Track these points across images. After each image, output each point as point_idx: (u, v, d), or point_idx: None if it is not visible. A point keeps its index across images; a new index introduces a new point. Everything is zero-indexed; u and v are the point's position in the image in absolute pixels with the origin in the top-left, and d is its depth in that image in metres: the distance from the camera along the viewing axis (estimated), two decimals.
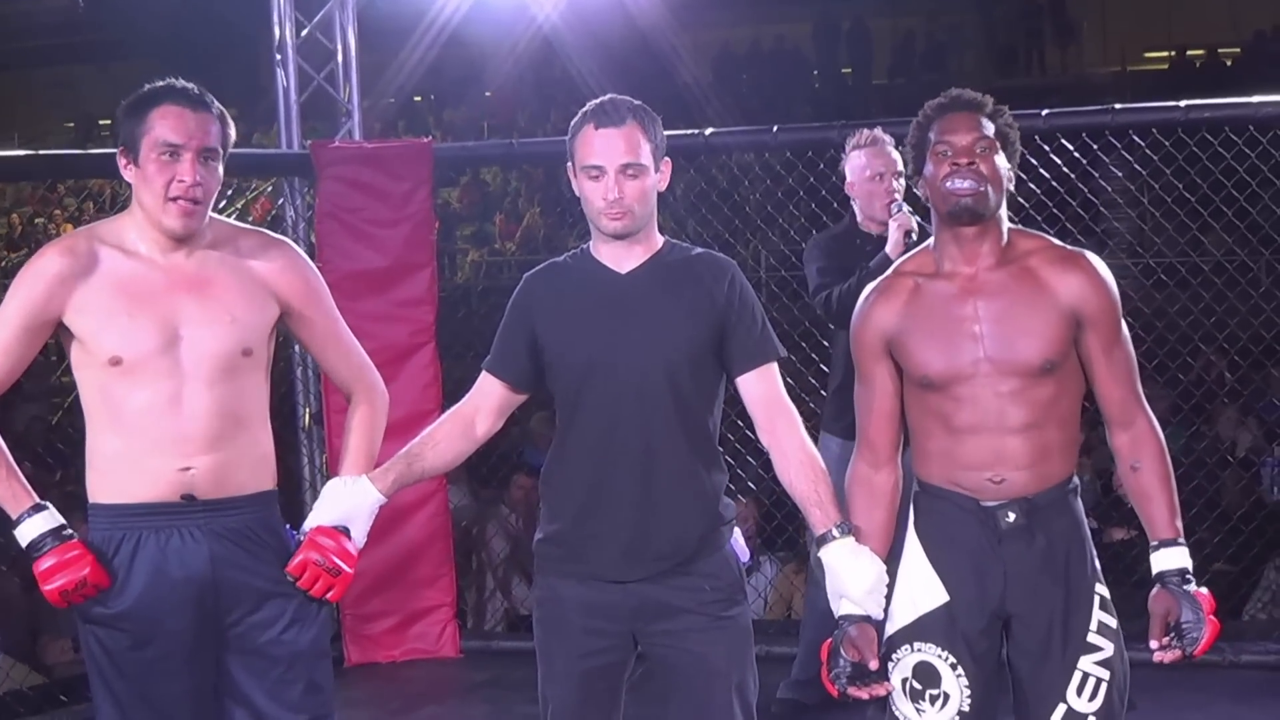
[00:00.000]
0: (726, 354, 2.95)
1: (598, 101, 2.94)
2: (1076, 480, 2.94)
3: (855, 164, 4.55)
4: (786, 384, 3.03)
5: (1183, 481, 5.95)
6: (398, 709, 5.14)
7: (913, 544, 2.94)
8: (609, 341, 2.91)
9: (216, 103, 2.91)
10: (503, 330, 3.06)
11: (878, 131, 4.57)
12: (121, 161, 2.88)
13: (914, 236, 4.34)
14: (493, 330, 3.09)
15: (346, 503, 2.97)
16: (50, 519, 2.87)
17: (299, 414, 5.74)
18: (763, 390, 2.96)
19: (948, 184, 2.82)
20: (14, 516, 2.87)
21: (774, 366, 2.99)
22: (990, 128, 2.86)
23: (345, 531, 2.96)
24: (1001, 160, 2.86)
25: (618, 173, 2.87)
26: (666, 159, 2.97)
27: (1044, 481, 2.87)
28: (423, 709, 5.19)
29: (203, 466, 2.86)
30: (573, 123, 2.96)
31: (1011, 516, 2.85)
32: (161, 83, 2.90)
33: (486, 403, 3.06)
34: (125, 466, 2.86)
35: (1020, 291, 2.85)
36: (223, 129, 2.89)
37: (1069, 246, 2.92)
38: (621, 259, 2.96)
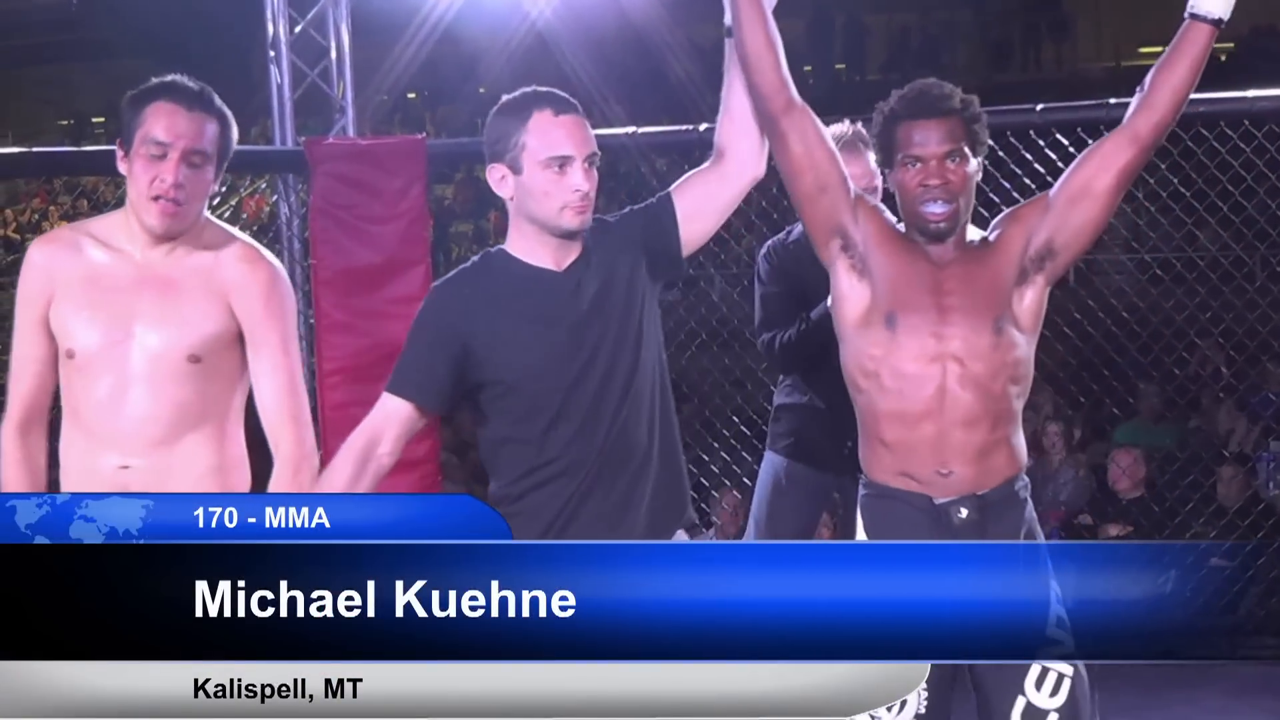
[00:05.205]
0: (661, 249, 2.85)
1: (542, 89, 2.77)
2: (1026, 480, 2.90)
3: None
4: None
5: (1178, 476, 6.00)
6: None
7: None
8: (573, 345, 2.74)
9: (219, 103, 2.83)
10: (414, 348, 2.79)
11: (855, 130, 3.92)
12: (119, 153, 2.82)
13: None
14: None
15: None
16: None
17: None
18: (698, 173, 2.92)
19: (921, 208, 2.79)
20: None
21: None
22: (960, 131, 2.79)
23: None
24: (973, 164, 2.81)
25: (585, 162, 2.73)
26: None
27: (993, 478, 2.84)
28: None
29: (139, 468, 2.80)
30: (508, 105, 2.77)
31: (964, 512, 2.82)
32: (167, 77, 2.83)
33: (390, 429, 2.77)
34: (76, 461, 2.86)
35: (977, 267, 2.85)
36: (221, 131, 2.81)
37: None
38: (563, 258, 2.79)
